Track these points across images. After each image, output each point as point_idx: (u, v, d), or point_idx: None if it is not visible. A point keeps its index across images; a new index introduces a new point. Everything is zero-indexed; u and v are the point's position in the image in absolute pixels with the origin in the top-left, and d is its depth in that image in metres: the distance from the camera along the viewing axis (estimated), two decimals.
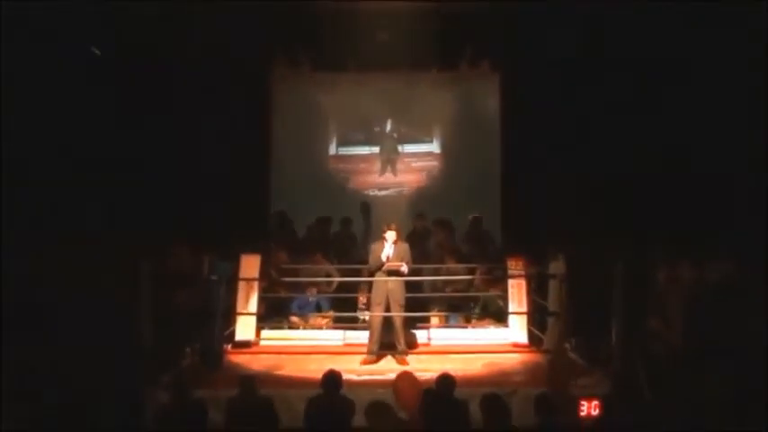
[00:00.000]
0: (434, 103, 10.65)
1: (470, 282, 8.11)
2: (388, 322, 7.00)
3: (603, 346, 6.50)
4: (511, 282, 7.69)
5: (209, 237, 7.34)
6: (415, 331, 7.59)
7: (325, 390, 5.04)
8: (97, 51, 8.40)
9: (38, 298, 6.24)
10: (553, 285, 7.16)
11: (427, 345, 7.59)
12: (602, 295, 6.46)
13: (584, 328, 6.94)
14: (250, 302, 7.54)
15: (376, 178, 10.87)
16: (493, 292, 8.03)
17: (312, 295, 8.12)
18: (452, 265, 8.19)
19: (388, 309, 6.98)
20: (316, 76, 10.41)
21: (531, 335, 7.57)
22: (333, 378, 5.08)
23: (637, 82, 8.54)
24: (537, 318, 7.61)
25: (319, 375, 5.18)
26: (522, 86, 9.54)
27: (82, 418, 5.22)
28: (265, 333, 7.71)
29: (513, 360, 7.09)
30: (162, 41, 8.39)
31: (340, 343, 7.56)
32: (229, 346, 7.39)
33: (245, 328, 7.54)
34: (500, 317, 7.92)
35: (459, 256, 8.47)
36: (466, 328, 8.01)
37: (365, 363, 6.84)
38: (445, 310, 8.15)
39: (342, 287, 8.13)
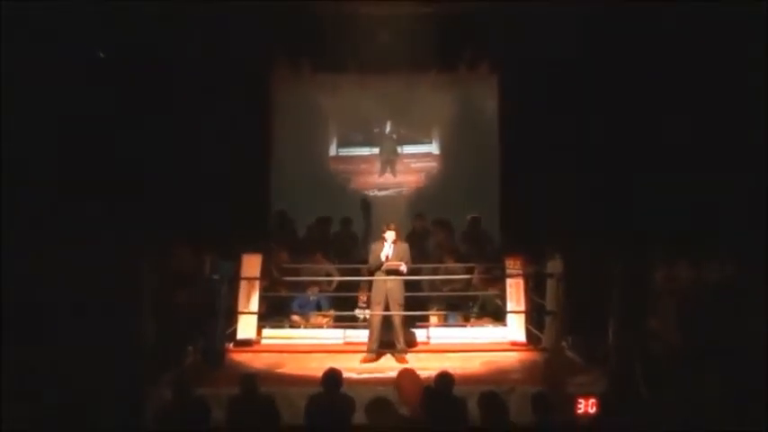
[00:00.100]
0: (433, 105, 10.66)
1: (469, 281, 8.15)
2: (387, 321, 7.03)
3: (601, 345, 6.52)
4: (509, 281, 7.74)
5: (211, 236, 7.35)
6: (414, 330, 7.63)
7: (326, 387, 5.08)
8: (102, 54, 8.41)
9: (38, 298, 6.26)
10: (551, 284, 7.16)
11: (426, 343, 7.62)
12: (600, 294, 6.48)
13: (582, 326, 6.96)
14: (251, 301, 7.58)
15: (376, 179, 10.89)
16: (491, 292, 8.06)
17: (314, 294, 8.16)
18: (451, 265, 8.22)
19: (387, 308, 7.01)
20: (316, 77, 10.41)
21: (529, 333, 7.60)
22: (333, 376, 5.11)
23: (635, 82, 8.53)
24: (535, 317, 7.64)
25: (320, 373, 5.22)
26: (520, 88, 9.54)
27: (82, 418, 5.24)
28: (266, 332, 7.75)
29: (512, 358, 7.12)
30: (162, 42, 8.36)
31: (340, 341, 7.59)
32: (231, 345, 7.43)
33: (246, 326, 7.57)
34: (498, 316, 7.95)
35: (458, 255, 8.51)
36: (464, 326, 8.05)
37: (365, 361, 6.88)
38: (444, 309, 8.18)
39: (342, 286, 8.16)
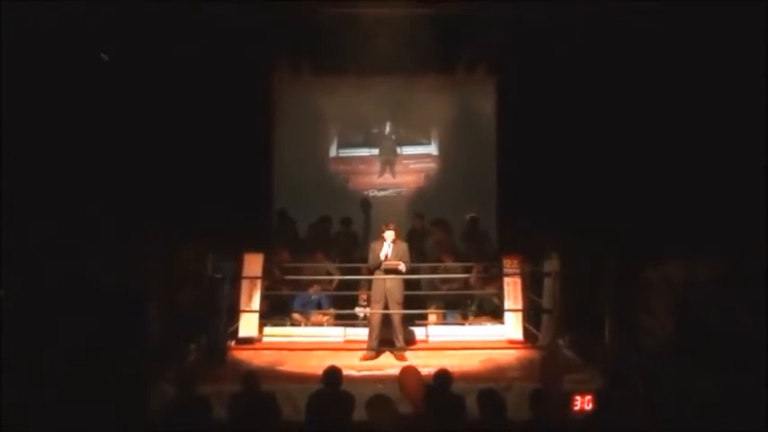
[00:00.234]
0: (432, 107, 10.70)
1: (467, 280, 8.19)
2: (387, 319, 7.07)
3: (597, 343, 6.55)
4: (506, 280, 7.79)
5: (213, 236, 7.37)
6: (413, 328, 7.67)
7: (326, 385, 5.11)
8: (105, 57, 8.45)
9: (39, 298, 6.25)
10: (548, 283, 7.25)
11: (425, 341, 7.67)
12: (596, 293, 6.54)
13: (578, 324, 7.01)
14: (253, 300, 7.63)
15: (375, 179, 10.94)
16: (489, 290, 8.12)
17: (315, 292, 8.20)
18: (450, 264, 8.27)
19: (386, 306, 7.04)
20: (316, 79, 10.44)
21: (526, 332, 7.65)
22: (333, 373, 5.14)
23: (633, 83, 8.54)
24: (532, 315, 7.70)
25: (320, 371, 5.24)
26: (518, 90, 9.57)
27: (86, 416, 5.25)
28: (268, 330, 7.81)
29: (509, 356, 7.15)
30: (164, 44, 8.37)
31: (341, 340, 7.64)
32: (233, 343, 7.47)
33: (248, 325, 7.62)
34: (496, 314, 8.00)
35: (457, 255, 8.56)
36: (463, 325, 8.09)
37: (365, 359, 6.92)
38: (443, 308, 8.22)
39: (343, 285, 8.20)
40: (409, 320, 7.55)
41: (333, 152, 11.00)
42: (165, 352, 6.38)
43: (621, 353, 6.27)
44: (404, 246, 7.21)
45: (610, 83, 8.66)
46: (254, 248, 7.77)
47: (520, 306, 7.72)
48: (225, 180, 9.08)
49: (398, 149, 10.98)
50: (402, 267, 7.03)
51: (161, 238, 6.85)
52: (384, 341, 7.12)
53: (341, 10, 8.42)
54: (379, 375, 6.38)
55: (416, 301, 7.76)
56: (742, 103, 7.82)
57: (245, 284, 7.61)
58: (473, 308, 8.26)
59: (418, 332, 7.74)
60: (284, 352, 7.16)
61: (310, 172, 10.60)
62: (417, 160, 10.99)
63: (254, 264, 7.69)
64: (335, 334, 7.76)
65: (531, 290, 7.76)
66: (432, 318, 8.14)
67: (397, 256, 7.04)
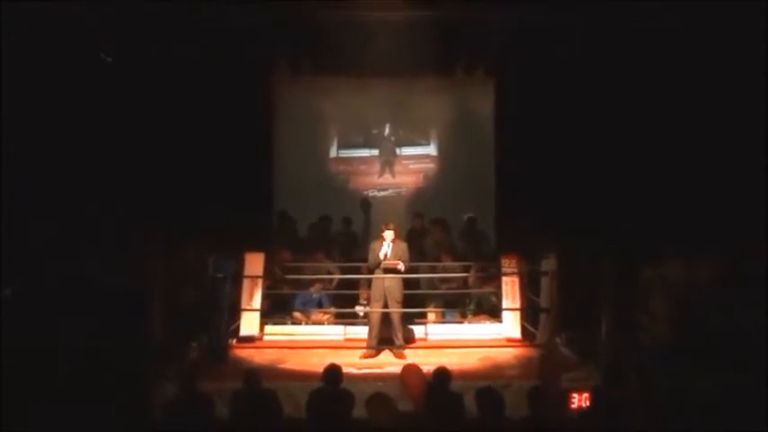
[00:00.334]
0: (431, 108, 10.71)
1: (465, 279, 8.24)
2: (386, 318, 7.11)
3: (594, 341, 6.59)
4: (504, 279, 7.85)
5: (215, 236, 7.42)
6: (412, 327, 7.70)
7: (327, 383, 5.15)
8: (108, 58, 8.47)
9: (40, 298, 6.28)
10: (545, 282, 7.30)
11: (424, 340, 7.72)
12: (593, 291, 6.56)
13: (576, 323, 7.04)
14: (254, 299, 7.68)
15: (375, 179, 10.96)
16: (487, 289, 8.16)
17: (316, 291, 8.24)
18: (448, 263, 8.32)
19: (386, 305, 7.09)
20: (317, 80, 10.44)
21: (524, 330, 7.71)
22: (334, 371, 5.18)
23: (631, 85, 8.56)
24: (530, 313, 7.74)
25: (321, 369, 5.28)
26: (516, 91, 9.58)
27: (89, 414, 5.27)
28: (269, 328, 7.85)
29: (507, 354, 7.21)
30: (164, 44, 8.37)
31: (341, 338, 7.69)
32: (234, 341, 7.52)
33: (249, 323, 7.67)
34: (494, 313, 8.04)
35: (455, 254, 8.60)
36: (461, 323, 8.14)
37: (365, 357, 6.97)
38: (441, 307, 8.26)
39: (343, 284, 8.24)
40: (408, 319, 7.58)
41: (333, 152, 11.02)
42: (167, 350, 6.39)
43: (618, 351, 6.28)
44: (403, 245, 7.25)
45: (609, 83, 8.67)
46: (255, 248, 7.81)
47: (518, 305, 7.77)
48: (226, 180, 9.08)
49: (398, 150, 11.00)
50: (401, 266, 7.08)
51: (162, 238, 6.83)
52: (384, 339, 7.16)
53: (341, 12, 8.44)
54: (379, 373, 6.43)
55: (416, 300, 7.79)
56: (742, 104, 7.83)
57: (246, 283, 7.65)
58: (471, 307, 8.30)
59: (417, 330, 7.78)
60: (285, 350, 7.21)
61: (311, 172, 10.62)
62: (417, 161, 11.00)
63: (255, 263, 7.74)
64: (336, 332, 7.80)
65: (529, 289, 7.80)
66: (431, 316, 8.18)
67: (396, 255, 7.09)
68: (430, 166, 11.00)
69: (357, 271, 8.08)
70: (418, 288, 8.02)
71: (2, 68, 7.07)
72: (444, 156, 10.90)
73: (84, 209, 7.54)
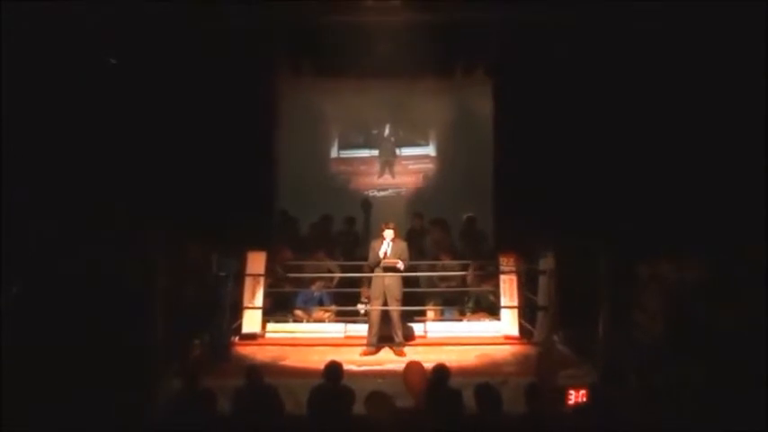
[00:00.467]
0: (431, 109, 10.75)
1: (464, 278, 8.30)
2: (386, 316, 7.18)
3: (591, 339, 6.63)
4: (503, 277, 7.90)
5: (217, 235, 7.45)
6: (411, 324, 7.75)
7: (327, 379, 5.20)
8: (113, 60, 8.50)
9: (41, 297, 6.28)
10: (543, 281, 7.38)
11: (424, 337, 7.77)
12: (590, 290, 6.60)
13: (573, 321, 7.08)
14: (256, 297, 7.75)
15: (375, 180, 11.04)
16: (486, 288, 8.21)
17: (317, 289, 8.29)
18: (447, 262, 8.38)
19: (386, 303, 7.16)
20: (318, 82, 10.47)
21: (521, 328, 7.76)
22: (334, 368, 5.24)
23: (630, 85, 8.53)
24: (527, 312, 7.80)
25: (321, 366, 5.33)
26: (515, 92, 9.56)
27: (91, 412, 5.29)
28: (271, 326, 7.91)
29: (505, 352, 7.27)
30: (165, 44, 8.35)
31: (341, 335, 7.74)
32: (236, 339, 7.58)
33: (251, 321, 7.74)
34: (492, 311, 8.09)
35: (454, 253, 8.67)
36: (460, 321, 8.19)
37: (365, 354, 7.04)
38: (440, 305, 8.30)
39: (344, 282, 8.30)
40: (408, 317, 7.63)
41: (334, 153, 11.09)
42: (171, 348, 6.42)
43: (615, 349, 6.32)
44: (403, 244, 7.31)
45: (608, 84, 8.62)
46: (257, 247, 7.87)
47: (516, 303, 7.82)
48: (228, 180, 9.06)
49: (398, 150, 11.06)
50: (400, 265, 7.14)
51: (165, 238, 6.86)
52: (383, 337, 7.21)
53: (342, 14, 8.45)
54: (379, 370, 6.50)
55: (415, 298, 7.84)
56: (742, 104, 7.80)
57: (248, 282, 7.71)
58: (470, 305, 8.34)
59: (417, 328, 7.83)
60: (286, 347, 7.28)
61: (312, 172, 10.67)
62: (416, 161, 11.08)
63: (257, 262, 7.80)
64: (336, 330, 7.85)
65: (527, 287, 7.86)
66: (430, 314, 8.22)
67: (396, 254, 7.15)
68: (429, 166, 11.06)
69: (358, 269, 8.13)
70: (418, 286, 8.10)
71: (2, 68, 7.08)
72: (444, 156, 10.95)
73: (85, 209, 7.54)
